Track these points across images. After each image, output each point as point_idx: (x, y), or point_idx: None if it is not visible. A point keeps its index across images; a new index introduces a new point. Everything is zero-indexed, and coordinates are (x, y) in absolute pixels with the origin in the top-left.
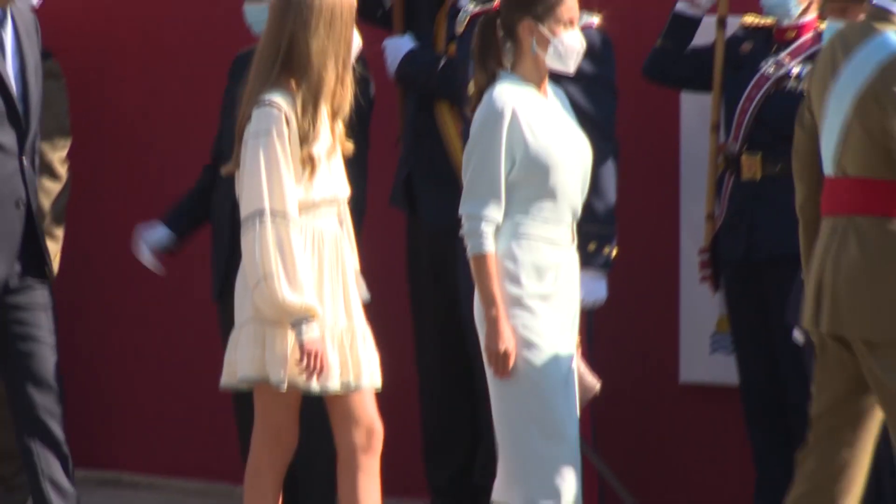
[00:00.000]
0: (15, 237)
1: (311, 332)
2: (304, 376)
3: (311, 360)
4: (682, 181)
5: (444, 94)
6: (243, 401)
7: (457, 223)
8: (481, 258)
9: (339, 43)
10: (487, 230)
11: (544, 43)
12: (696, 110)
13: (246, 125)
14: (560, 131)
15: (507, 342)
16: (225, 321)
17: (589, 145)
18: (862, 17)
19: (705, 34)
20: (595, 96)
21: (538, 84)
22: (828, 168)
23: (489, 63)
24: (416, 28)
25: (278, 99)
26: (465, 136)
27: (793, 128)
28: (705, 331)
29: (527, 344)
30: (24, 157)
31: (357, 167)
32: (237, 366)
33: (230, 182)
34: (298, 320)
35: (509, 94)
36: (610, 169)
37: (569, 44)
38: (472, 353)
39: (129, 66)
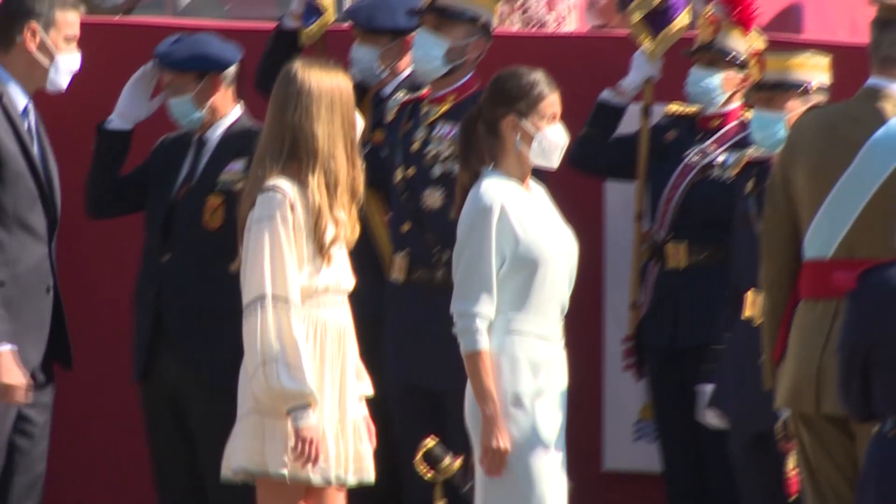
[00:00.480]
0: (45, 324)
1: (308, 420)
2: (306, 468)
3: (308, 448)
4: (606, 269)
5: (369, 182)
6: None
7: (377, 306)
8: (476, 355)
9: (344, 125)
10: (481, 327)
11: (528, 139)
12: (620, 198)
13: (249, 213)
14: (547, 226)
15: (504, 440)
16: (148, 400)
17: (574, 240)
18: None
19: (630, 122)
20: None
21: (522, 179)
22: (822, 250)
23: (472, 160)
24: None
25: (283, 185)
26: (437, 228)
27: (718, 216)
28: (629, 418)
29: (523, 443)
30: (52, 243)
31: None
32: (232, 458)
33: (157, 267)
34: (295, 407)
35: (496, 190)
36: None
37: (552, 139)
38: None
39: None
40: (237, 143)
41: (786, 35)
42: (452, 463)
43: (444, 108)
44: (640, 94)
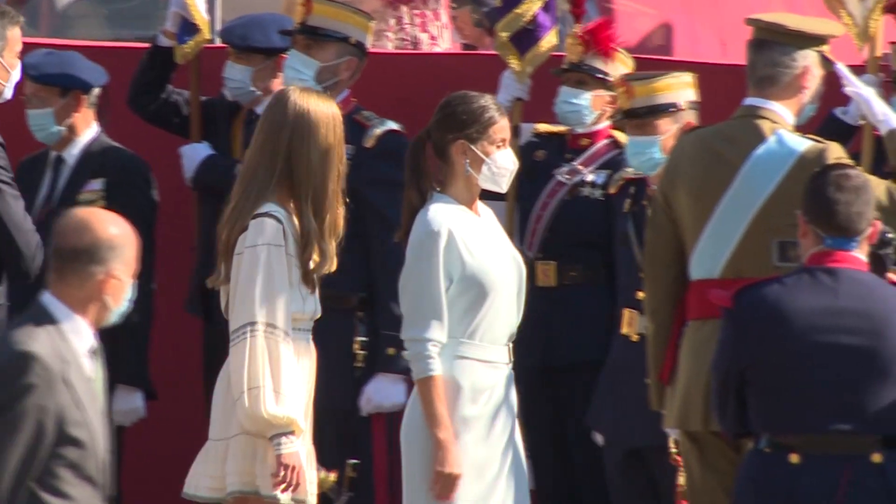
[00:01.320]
0: None
1: (290, 447)
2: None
3: (290, 475)
4: None
5: None
6: None
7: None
8: (429, 381)
9: (336, 156)
10: (433, 352)
11: (477, 163)
12: None
13: (238, 238)
14: (495, 250)
15: (457, 466)
16: None
17: (522, 263)
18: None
19: None
20: (398, 203)
21: (470, 203)
22: (708, 271)
23: (420, 183)
24: (213, 135)
25: (276, 211)
26: (387, 255)
27: (588, 235)
28: None
29: (466, 468)
30: None
31: (144, 271)
32: (227, 479)
33: (24, 288)
34: (278, 433)
35: (444, 215)
36: None
37: (501, 164)
38: None
39: None
40: (96, 161)
41: (658, 55)
42: (328, 477)
43: None
44: (509, 114)
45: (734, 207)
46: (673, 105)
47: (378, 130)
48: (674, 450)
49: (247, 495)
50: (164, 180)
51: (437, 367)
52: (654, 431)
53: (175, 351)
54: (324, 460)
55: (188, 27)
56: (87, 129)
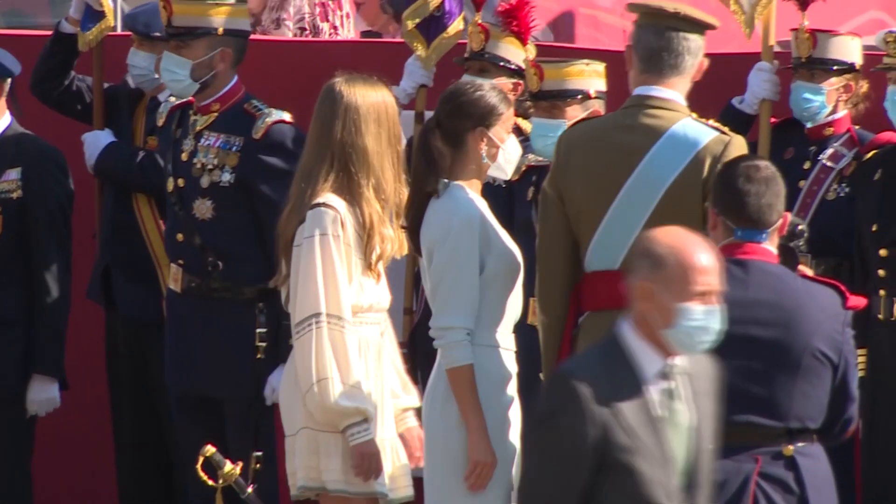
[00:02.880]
0: None
1: (364, 436)
2: (370, 482)
3: (368, 463)
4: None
5: (143, 188)
6: None
7: (154, 315)
8: (463, 369)
9: (392, 140)
10: (467, 341)
11: (494, 150)
12: None
13: (297, 230)
14: (507, 237)
15: (492, 454)
16: None
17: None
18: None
19: (404, 129)
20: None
21: (478, 191)
22: (609, 262)
23: (433, 173)
24: (116, 122)
25: (333, 201)
26: (208, 238)
27: None
28: None
29: (503, 457)
30: None
31: (61, 261)
32: (295, 476)
33: None
34: (352, 424)
35: (470, 203)
36: None
37: (511, 150)
38: (171, 447)
39: None
40: (11, 150)
41: (558, 44)
42: (233, 469)
43: (210, 118)
44: (413, 102)
45: (635, 197)
46: (583, 92)
47: (267, 120)
48: None
49: (313, 490)
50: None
51: (470, 356)
52: None
53: (77, 338)
54: (228, 452)
55: (92, 14)
56: (1, 118)
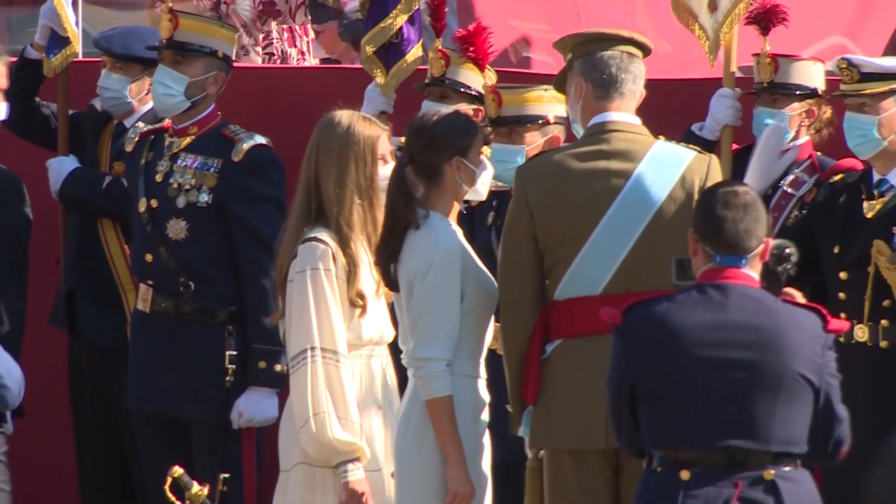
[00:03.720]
0: None
1: (356, 473)
2: None
3: (356, 501)
4: None
5: (109, 213)
6: None
7: (119, 340)
8: (443, 400)
9: (361, 179)
10: (446, 371)
11: (470, 176)
12: None
13: (290, 264)
14: (482, 266)
15: (470, 485)
16: None
17: None
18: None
19: None
20: (266, 216)
21: (454, 217)
22: (589, 288)
23: (410, 206)
24: (81, 148)
25: (323, 235)
26: (181, 258)
27: None
28: None
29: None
30: None
31: (17, 289)
32: None
33: None
34: (344, 461)
35: (451, 234)
36: None
37: (486, 172)
38: (134, 472)
39: None
40: None
41: (517, 69)
42: (201, 490)
43: (187, 140)
44: None
45: (622, 221)
46: (542, 117)
47: (246, 145)
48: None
49: None
50: (30, 192)
51: (449, 388)
52: (517, 446)
53: (39, 364)
54: (195, 474)
55: (56, 40)
56: None
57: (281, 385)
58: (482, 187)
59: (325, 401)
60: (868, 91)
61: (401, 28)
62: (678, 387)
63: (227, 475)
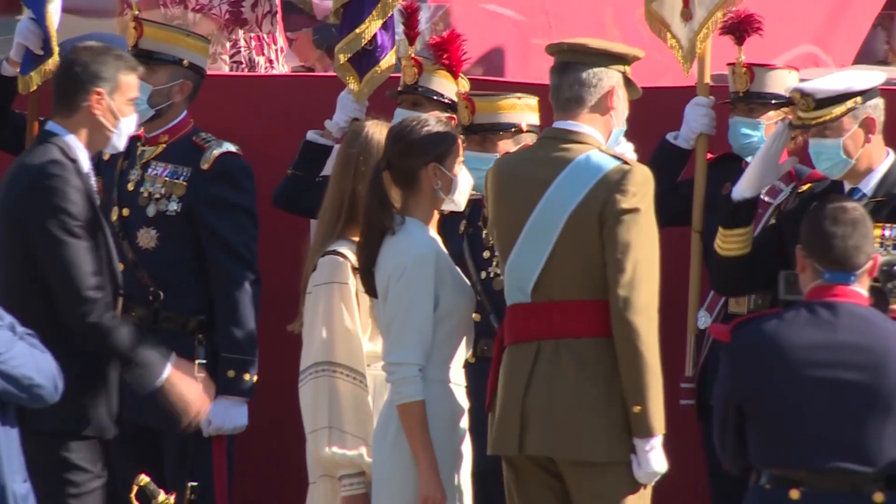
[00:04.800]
0: None
1: (356, 489)
2: None
3: None
4: None
5: None
6: None
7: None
8: (414, 405)
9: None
10: (418, 377)
11: (447, 184)
12: None
13: (310, 277)
14: (460, 273)
15: (442, 490)
16: None
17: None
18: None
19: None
20: (236, 224)
21: (433, 225)
22: (520, 295)
23: (386, 212)
24: None
25: (344, 249)
26: (151, 268)
27: None
28: None
29: (459, 490)
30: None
31: None
32: None
33: None
34: (346, 475)
35: (427, 239)
36: (249, 298)
37: (464, 182)
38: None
39: None
40: None
41: (490, 77)
42: (167, 499)
43: (158, 149)
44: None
45: (540, 228)
46: (515, 125)
47: (215, 152)
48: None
49: None
50: None
51: (422, 392)
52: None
53: None
54: (165, 482)
55: (31, 58)
56: None
57: (250, 394)
58: (460, 197)
59: (323, 417)
60: (827, 117)
61: (375, 35)
62: (787, 407)
63: (194, 483)
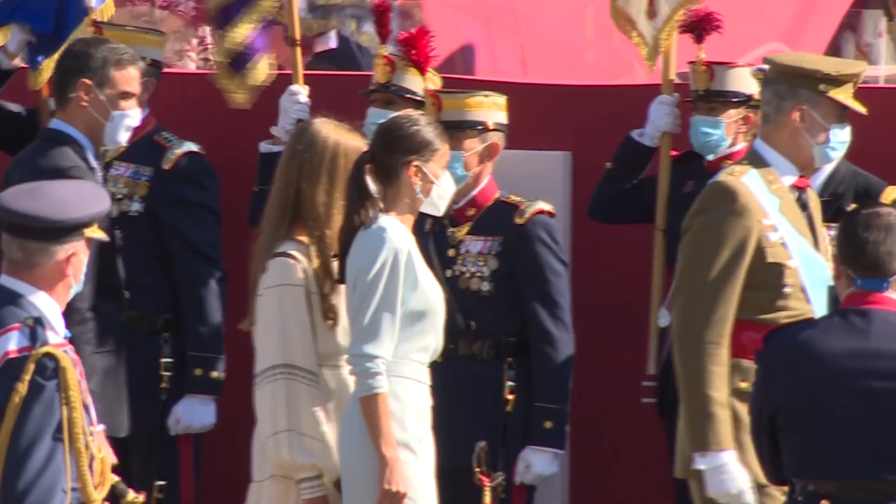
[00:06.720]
0: None
1: (315, 492)
2: None
3: None
4: None
5: None
6: None
7: None
8: (378, 398)
9: (344, 192)
10: (382, 369)
11: (428, 185)
12: None
13: (260, 277)
14: (430, 273)
15: (403, 484)
16: None
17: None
18: None
19: None
20: (200, 223)
21: (410, 226)
22: None
23: (365, 204)
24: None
25: (293, 250)
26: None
27: None
28: None
29: (414, 488)
30: None
31: None
32: None
33: None
34: (305, 478)
35: (401, 234)
36: (215, 295)
37: (446, 187)
38: None
39: None
40: None
41: (460, 75)
42: (136, 498)
43: (121, 149)
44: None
45: None
46: (481, 123)
47: (177, 151)
48: (477, 470)
49: None
50: None
51: (386, 385)
52: (460, 453)
53: None
54: (132, 481)
55: (36, 48)
56: None
57: (218, 391)
58: (440, 202)
59: (283, 420)
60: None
61: (247, 37)
62: (819, 416)
63: (162, 482)
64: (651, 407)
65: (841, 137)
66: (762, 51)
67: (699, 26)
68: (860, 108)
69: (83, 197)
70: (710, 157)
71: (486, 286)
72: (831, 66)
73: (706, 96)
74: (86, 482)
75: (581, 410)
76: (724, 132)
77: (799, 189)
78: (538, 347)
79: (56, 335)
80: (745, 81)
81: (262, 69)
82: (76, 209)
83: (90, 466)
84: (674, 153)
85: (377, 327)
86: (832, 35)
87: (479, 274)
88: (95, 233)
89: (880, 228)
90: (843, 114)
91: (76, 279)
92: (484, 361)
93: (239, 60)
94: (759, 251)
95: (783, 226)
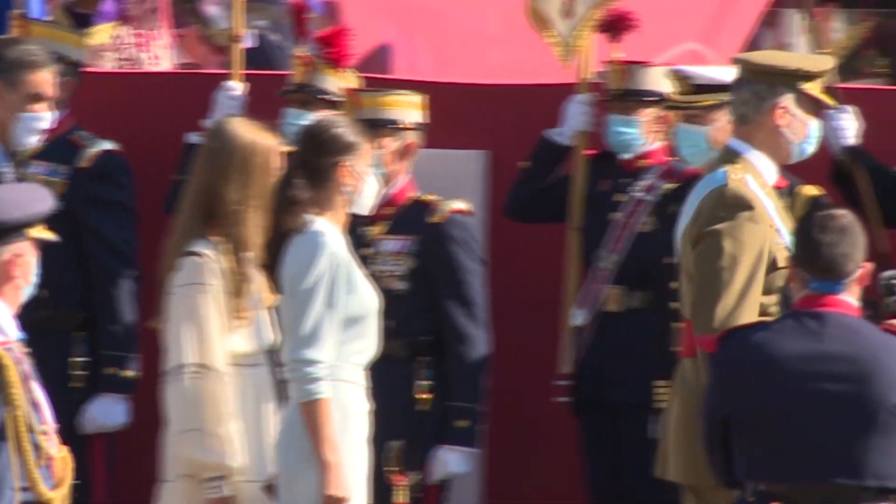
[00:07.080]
0: None
1: (219, 492)
2: None
3: None
4: None
5: None
6: None
7: None
8: (321, 403)
9: (257, 191)
10: (324, 374)
11: (358, 184)
12: None
13: (171, 276)
14: (364, 275)
15: (346, 489)
16: None
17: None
18: None
19: None
20: (116, 222)
21: (341, 227)
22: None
23: (296, 209)
24: None
25: (205, 249)
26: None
27: None
28: None
29: (360, 492)
30: None
31: None
32: None
33: None
34: (210, 477)
35: (336, 238)
36: (129, 294)
37: (371, 185)
38: None
39: None
40: None
41: (379, 74)
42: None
43: (38, 147)
44: None
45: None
46: (395, 121)
47: (93, 150)
48: (387, 470)
49: None
50: None
51: (328, 390)
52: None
53: None
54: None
55: None
56: None
57: (131, 390)
58: (367, 200)
59: (191, 419)
60: (701, 103)
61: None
62: (772, 419)
63: (76, 482)
64: (565, 406)
65: (816, 132)
66: (679, 51)
67: (615, 26)
68: (830, 101)
69: (24, 197)
70: (626, 156)
71: (401, 285)
72: (808, 62)
73: (621, 95)
74: (34, 481)
75: (497, 409)
76: (639, 131)
77: (778, 189)
78: (453, 346)
79: (3, 335)
80: (659, 81)
81: (103, 35)
82: (17, 209)
83: (49, 467)
84: (589, 152)
85: (318, 332)
86: (750, 34)
87: (395, 273)
88: (41, 233)
89: (835, 231)
90: (816, 108)
91: (26, 280)
92: (399, 361)
93: (83, 19)
94: (772, 256)
95: (783, 229)
